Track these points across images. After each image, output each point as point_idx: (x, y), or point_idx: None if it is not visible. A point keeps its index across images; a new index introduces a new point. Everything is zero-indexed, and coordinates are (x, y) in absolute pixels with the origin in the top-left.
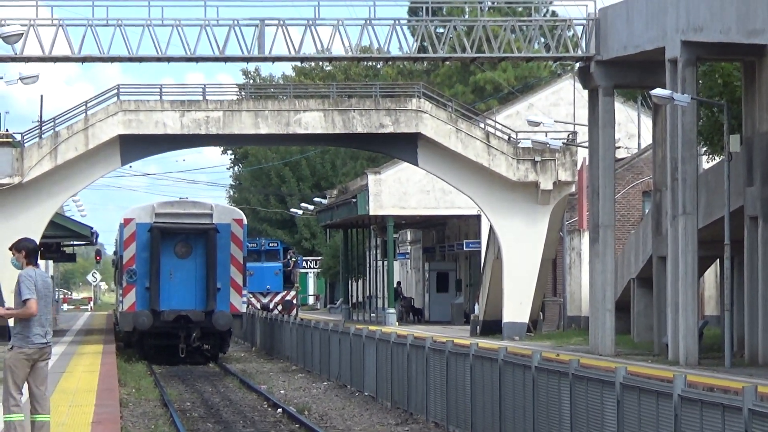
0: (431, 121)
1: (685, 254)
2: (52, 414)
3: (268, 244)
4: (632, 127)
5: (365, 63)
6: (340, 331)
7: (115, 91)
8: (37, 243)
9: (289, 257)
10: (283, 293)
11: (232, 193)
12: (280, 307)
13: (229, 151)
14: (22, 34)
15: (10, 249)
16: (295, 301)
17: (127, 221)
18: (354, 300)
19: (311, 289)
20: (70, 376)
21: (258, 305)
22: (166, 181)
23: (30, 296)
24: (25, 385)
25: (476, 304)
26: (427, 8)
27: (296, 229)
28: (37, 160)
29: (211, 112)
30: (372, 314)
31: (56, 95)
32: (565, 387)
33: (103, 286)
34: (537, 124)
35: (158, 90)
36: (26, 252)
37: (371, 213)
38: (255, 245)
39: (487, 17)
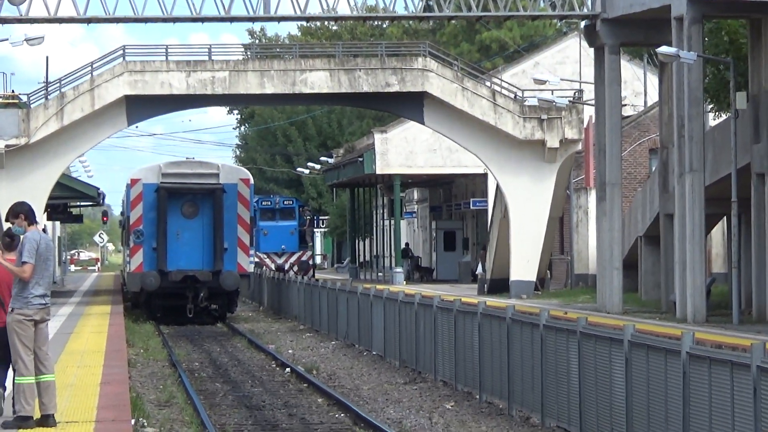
0: (437, 80)
1: (692, 212)
2: (61, 375)
3: (283, 201)
4: (638, 85)
5: (371, 22)
6: (347, 291)
7: (121, 51)
8: (44, 203)
9: (305, 215)
10: (299, 253)
11: (238, 152)
12: (295, 268)
13: (235, 111)
14: None
15: (7, 220)
16: (311, 262)
17: (133, 182)
18: (361, 259)
19: (318, 249)
20: (78, 337)
21: (272, 266)
22: (172, 141)
23: (28, 260)
24: None
25: (478, 261)
26: None
27: (303, 189)
28: (43, 121)
29: (217, 73)
30: (379, 273)
31: (61, 57)
32: (573, 345)
33: (111, 246)
34: (543, 82)
35: (164, 51)
36: (24, 215)
37: (378, 172)
38: (269, 203)
39: None
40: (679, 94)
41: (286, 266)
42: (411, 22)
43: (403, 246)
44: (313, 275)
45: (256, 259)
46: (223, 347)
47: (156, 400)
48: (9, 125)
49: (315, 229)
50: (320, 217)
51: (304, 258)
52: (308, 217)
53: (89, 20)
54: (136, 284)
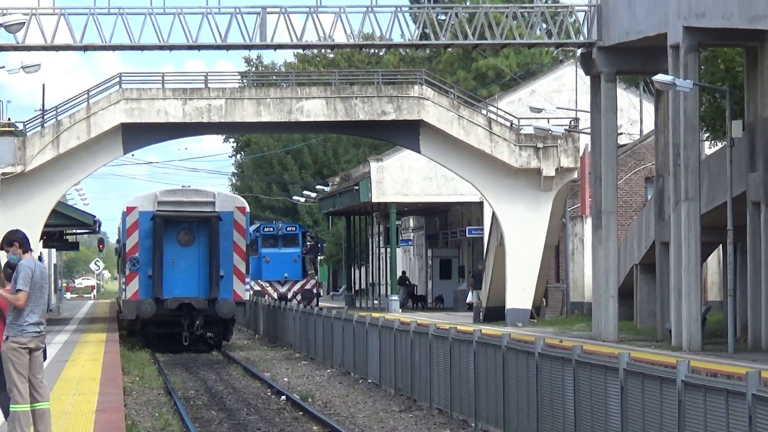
0: (433, 108)
1: (688, 240)
2: (56, 403)
3: (286, 228)
4: (634, 113)
5: (367, 50)
6: (343, 319)
7: (117, 79)
8: (40, 231)
9: (308, 241)
10: (303, 282)
11: (234, 181)
12: (299, 297)
13: (231, 139)
14: (24, 22)
15: (1, 248)
16: (315, 290)
17: (129, 209)
18: (357, 287)
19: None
20: (74, 364)
21: (275, 295)
22: (167, 169)
23: (23, 288)
24: None
25: (469, 290)
26: None
27: (298, 217)
28: (39, 149)
29: (213, 100)
30: (375, 301)
31: (57, 84)
32: (568, 373)
33: (106, 274)
34: (539, 110)
35: (160, 78)
36: (19, 243)
37: (374, 200)
38: (272, 229)
39: (488, 4)
40: (675, 123)
41: (289, 295)
42: (407, 50)
43: (399, 274)
44: (317, 304)
45: (258, 287)
46: (218, 375)
47: (151, 428)
48: (5, 153)
49: (320, 256)
50: (323, 245)
51: (308, 286)
52: (309, 243)
53: (85, 48)
54: (132, 312)
